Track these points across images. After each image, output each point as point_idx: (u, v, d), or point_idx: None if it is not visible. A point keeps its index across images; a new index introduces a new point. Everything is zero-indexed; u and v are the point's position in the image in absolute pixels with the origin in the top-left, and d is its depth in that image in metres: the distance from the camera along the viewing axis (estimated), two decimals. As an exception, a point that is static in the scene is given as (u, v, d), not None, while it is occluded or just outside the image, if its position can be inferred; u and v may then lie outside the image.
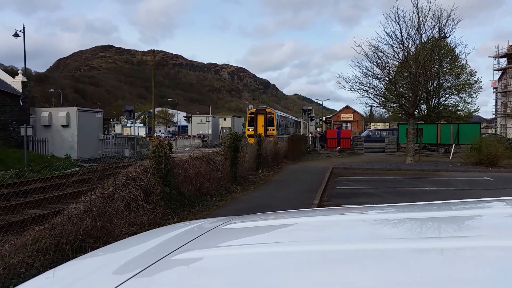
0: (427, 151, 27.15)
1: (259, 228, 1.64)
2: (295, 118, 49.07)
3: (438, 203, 1.99)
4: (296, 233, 1.56)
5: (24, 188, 11.35)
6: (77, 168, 16.46)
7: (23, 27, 28.31)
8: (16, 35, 27.77)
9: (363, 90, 21.14)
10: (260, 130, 30.69)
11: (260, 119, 33.00)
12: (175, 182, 8.64)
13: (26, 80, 25.25)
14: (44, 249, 4.90)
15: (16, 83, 24.47)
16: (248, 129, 32.37)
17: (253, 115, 33.36)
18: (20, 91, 24.27)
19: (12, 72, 30.40)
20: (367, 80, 21.03)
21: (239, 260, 1.13)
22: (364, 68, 20.92)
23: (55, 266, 3.83)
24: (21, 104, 24.24)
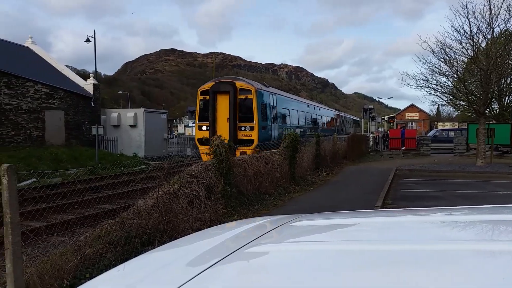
0: (500, 153, 25.14)
1: (324, 227, 1.67)
2: (354, 118, 47.13)
3: (509, 206, 1.86)
4: (361, 233, 1.56)
5: (96, 184, 12.19)
6: (144, 166, 17.37)
7: (94, 33, 30.35)
8: (88, 40, 29.85)
9: (430, 87, 20.06)
10: (223, 127, 15.61)
11: (223, 104, 16.04)
12: (235, 180, 8.81)
13: (96, 82, 27.11)
14: (115, 242, 5.22)
15: (88, 85, 26.35)
16: (200, 127, 16.61)
17: (208, 97, 16.21)
18: (92, 93, 26.10)
19: (84, 75, 32.75)
20: (434, 77, 19.93)
21: (306, 256, 1.16)
22: (430, 65, 19.88)
23: (126, 258, 4.06)
24: (93, 105, 26.06)
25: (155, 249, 1.51)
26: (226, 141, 8.52)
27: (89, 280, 3.57)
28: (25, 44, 27.67)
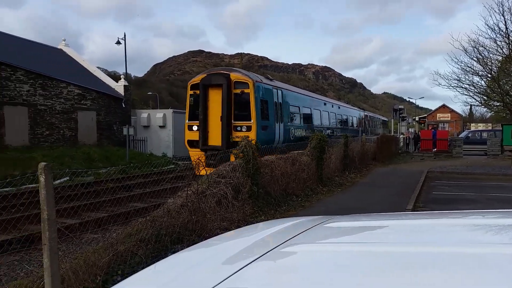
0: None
1: (358, 228, 1.67)
2: (382, 118, 46.03)
3: None
4: (394, 235, 1.54)
5: (127, 183, 12.49)
6: (172, 166, 17.66)
7: (124, 36, 31.10)
8: (118, 42, 30.61)
9: (462, 87, 19.54)
10: (216, 127, 13.52)
11: (215, 100, 13.70)
12: (262, 181, 8.82)
13: (127, 84, 27.78)
14: (146, 239, 5.33)
15: (119, 87, 27.04)
16: (190, 127, 14.41)
17: (198, 91, 13.92)
18: (122, 94, 26.76)
19: (115, 77, 33.63)
20: (467, 77, 19.40)
21: (339, 257, 1.17)
22: (462, 64, 19.33)
23: (156, 255, 4.14)
24: (123, 106, 26.72)
25: (189, 248, 1.53)
26: (253, 142, 8.53)
27: (121, 276, 3.66)
28: (58, 47, 28.70)
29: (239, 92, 13.44)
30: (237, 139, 12.32)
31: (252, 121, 13.26)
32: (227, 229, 6.88)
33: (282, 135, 15.22)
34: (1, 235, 7.08)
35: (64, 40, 29.32)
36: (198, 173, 11.19)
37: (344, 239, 1.48)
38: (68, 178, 13.09)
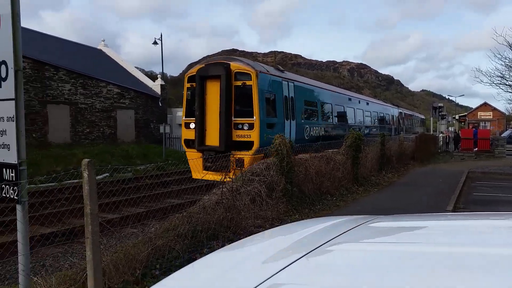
0: None
1: (401, 228, 1.66)
2: (419, 115, 44.41)
3: None
4: (438, 236, 1.53)
5: (164, 179, 12.79)
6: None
7: (161, 36, 31.77)
8: (155, 43, 31.29)
9: (506, 85, 18.57)
10: (214, 125, 11.87)
11: (213, 94, 12.11)
12: (296, 179, 8.78)
13: (163, 83, 28.41)
14: (183, 235, 5.43)
15: (156, 86, 27.71)
16: (186, 125, 12.76)
17: (194, 84, 12.46)
18: (159, 93, 27.40)
19: (152, 76, 34.45)
20: (511, 74, 18.40)
21: (386, 256, 1.17)
22: (507, 60, 18.35)
23: (192, 250, 4.20)
24: (160, 105, 27.36)
25: (232, 245, 1.55)
26: (288, 143, 8.47)
27: (159, 270, 3.74)
28: (98, 47, 29.75)
29: (240, 84, 11.69)
30: (238, 139, 11.53)
31: (254, 118, 11.51)
32: (261, 227, 6.91)
33: (294, 134, 13.32)
34: (46, 228, 7.43)
35: (104, 40, 30.38)
36: (194, 177, 10.84)
37: (389, 239, 1.47)
38: (108, 174, 13.56)
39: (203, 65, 12.50)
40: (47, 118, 19.98)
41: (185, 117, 12.86)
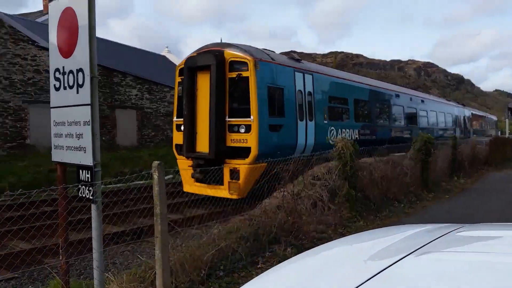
0: None
1: (493, 238, 1.55)
2: (490, 116, 40.90)
3: None
4: None
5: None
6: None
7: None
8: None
9: None
10: (204, 126, 9.78)
11: (204, 89, 9.91)
12: (360, 184, 8.49)
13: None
14: (245, 237, 5.45)
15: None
16: (177, 127, 11.04)
17: (183, 77, 10.39)
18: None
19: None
20: None
21: (479, 266, 1.12)
22: None
23: (254, 254, 4.16)
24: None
25: (314, 249, 1.51)
26: (352, 146, 8.18)
27: (223, 272, 3.74)
28: (162, 53, 31.12)
29: (235, 76, 9.49)
30: (233, 144, 9.39)
31: (252, 118, 9.22)
32: (324, 233, 6.74)
33: (313, 138, 11.02)
34: (115, 227, 7.85)
35: (167, 47, 31.77)
36: (186, 190, 9.56)
37: (481, 248, 1.39)
38: (172, 176, 14.08)
39: (194, 54, 10.40)
40: (116, 122, 21.21)
41: (176, 118, 11.05)
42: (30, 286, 5.27)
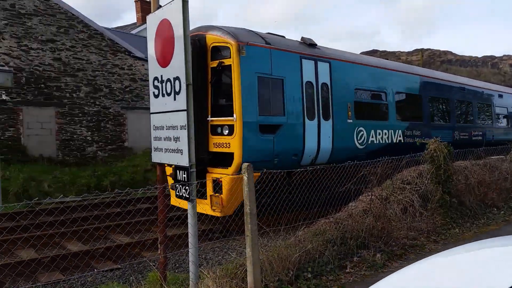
0: None
1: None
2: None
3: None
4: None
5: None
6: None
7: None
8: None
9: None
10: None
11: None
12: (454, 189, 7.92)
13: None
14: (331, 241, 5.40)
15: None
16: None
17: None
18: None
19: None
20: None
21: None
22: None
23: (342, 258, 4.10)
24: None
25: (439, 254, 1.47)
26: (446, 148, 7.65)
27: (311, 273, 3.75)
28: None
29: (216, 64, 7.89)
30: (216, 149, 7.84)
31: (234, 116, 7.54)
32: (416, 239, 6.43)
33: (330, 141, 9.03)
34: (206, 225, 8.28)
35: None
36: (173, 203, 7.83)
37: None
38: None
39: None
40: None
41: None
42: (131, 277, 5.77)
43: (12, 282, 5.69)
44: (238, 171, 7.08)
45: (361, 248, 5.52)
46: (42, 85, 15.57)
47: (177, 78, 4.47)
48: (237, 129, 7.48)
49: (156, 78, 4.89)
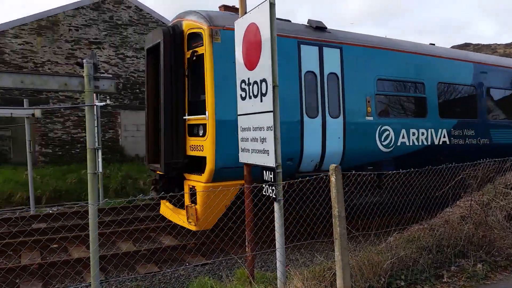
0: None
1: None
2: None
3: None
4: None
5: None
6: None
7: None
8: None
9: None
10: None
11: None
12: None
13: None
14: (426, 248, 5.06)
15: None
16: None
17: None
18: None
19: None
20: None
21: None
22: None
23: (439, 266, 3.79)
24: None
25: None
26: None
27: (404, 281, 3.54)
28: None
29: (190, 54, 6.89)
30: (192, 152, 6.91)
31: (207, 114, 6.53)
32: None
33: (340, 143, 7.64)
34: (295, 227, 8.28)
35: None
36: (161, 212, 7.71)
37: None
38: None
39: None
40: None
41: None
42: (221, 273, 5.99)
43: (114, 269, 6.26)
44: (214, 178, 6.39)
45: (459, 257, 5.10)
46: (137, 90, 16.91)
47: (263, 80, 4.52)
48: (210, 129, 6.46)
49: (243, 81, 5.01)
